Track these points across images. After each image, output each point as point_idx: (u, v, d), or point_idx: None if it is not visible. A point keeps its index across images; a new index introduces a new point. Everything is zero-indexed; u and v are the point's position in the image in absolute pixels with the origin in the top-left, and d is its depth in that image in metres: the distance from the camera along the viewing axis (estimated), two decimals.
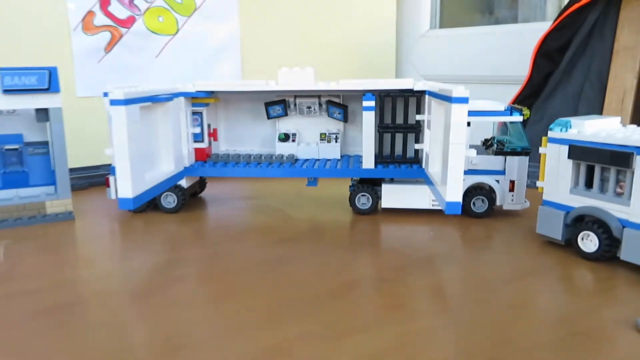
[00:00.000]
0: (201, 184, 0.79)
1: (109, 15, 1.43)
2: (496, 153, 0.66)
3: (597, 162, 0.50)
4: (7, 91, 0.61)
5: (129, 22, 1.45)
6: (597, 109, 1.26)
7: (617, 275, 0.48)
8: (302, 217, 0.69)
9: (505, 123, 0.68)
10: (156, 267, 0.52)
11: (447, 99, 0.50)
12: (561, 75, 1.31)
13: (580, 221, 0.52)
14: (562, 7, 1.27)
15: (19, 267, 0.52)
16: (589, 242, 0.51)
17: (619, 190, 0.50)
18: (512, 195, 0.66)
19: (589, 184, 0.52)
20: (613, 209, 0.50)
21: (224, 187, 0.82)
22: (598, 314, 0.41)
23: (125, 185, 0.51)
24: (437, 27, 1.85)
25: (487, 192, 0.66)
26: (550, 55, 1.31)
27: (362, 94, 0.65)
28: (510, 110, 0.64)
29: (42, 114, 0.65)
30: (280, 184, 0.82)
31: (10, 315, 0.42)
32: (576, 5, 1.22)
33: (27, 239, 0.61)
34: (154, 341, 0.38)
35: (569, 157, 0.52)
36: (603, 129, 0.52)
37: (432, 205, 0.67)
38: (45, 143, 0.69)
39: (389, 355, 0.36)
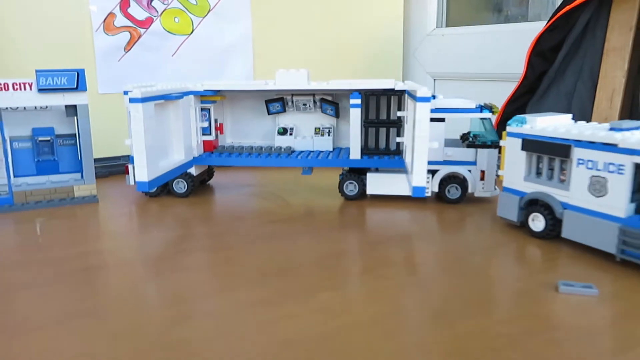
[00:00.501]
0: (209, 172, 0.88)
1: (129, 16, 1.53)
2: (468, 146, 0.74)
3: (544, 153, 0.58)
4: (41, 90, 0.71)
5: (147, 23, 1.55)
6: (589, 107, 1.32)
7: (559, 251, 0.56)
8: (297, 201, 0.78)
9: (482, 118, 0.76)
10: (168, 240, 0.62)
11: (414, 97, 0.58)
12: (555, 74, 1.38)
13: (531, 205, 0.60)
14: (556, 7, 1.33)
15: (54, 239, 0.62)
16: (537, 222, 0.60)
17: (562, 177, 0.58)
18: (483, 184, 0.74)
19: (539, 173, 0.60)
20: (557, 194, 0.58)
21: (229, 176, 0.91)
22: (534, 279, 0.49)
23: (142, 171, 0.61)
24: (444, 25, 1.92)
25: (460, 181, 0.74)
26: (544, 55, 1.38)
27: (350, 93, 0.74)
28: (480, 108, 0.72)
29: (71, 110, 0.75)
30: (279, 173, 0.91)
31: (47, 274, 0.52)
32: (567, 7, 1.29)
33: (59, 217, 0.71)
34: (164, 294, 0.47)
35: (522, 149, 0.60)
36: (552, 124, 0.60)
37: None
38: (73, 135, 0.79)
39: (350, 306, 0.44)
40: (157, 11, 1.61)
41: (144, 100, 0.59)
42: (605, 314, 0.42)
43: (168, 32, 1.66)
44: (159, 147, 0.67)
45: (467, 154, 0.74)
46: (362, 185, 0.76)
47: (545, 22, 1.31)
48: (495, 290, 0.48)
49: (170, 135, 0.72)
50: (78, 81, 0.73)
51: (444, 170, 0.74)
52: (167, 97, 0.66)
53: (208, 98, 0.79)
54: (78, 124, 0.75)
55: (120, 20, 1.55)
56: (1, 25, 1.24)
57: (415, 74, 1.95)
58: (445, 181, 0.74)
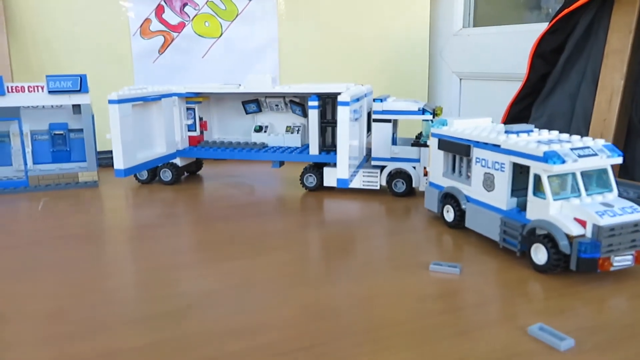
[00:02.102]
0: (197, 164, 1.00)
1: (163, 21, 1.69)
2: (412, 144, 0.81)
3: (453, 152, 0.66)
4: (51, 92, 0.86)
5: (179, 27, 1.71)
6: (592, 108, 1.34)
7: (462, 238, 0.64)
8: (265, 190, 0.89)
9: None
10: (154, 215, 0.76)
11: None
12: (559, 75, 1.40)
13: (446, 198, 0.68)
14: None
15: (62, 214, 0.76)
16: (449, 213, 0.67)
17: (469, 174, 0.65)
18: (426, 179, 0.81)
19: (453, 169, 0.68)
20: (463, 188, 0.65)
21: (217, 168, 1.03)
22: (416, 259, 0.57)
23: (119, 160, 0.73)
24: (471, 25, 1.95)
25: (405, 176, 0.82)
26: (545, 57, 1.40)
27: (309, 96, 0.83)
28: (422, 111, 0.80)
29: (77, 109, 0.89)
30: (259, 165, 1.03)
31: (58, 239, 0.66)
32: (567, 10, 1.31)
33: (66, 197, 0.85)
34: (149, 257, 0.60)
35: (438, 148, 0.68)
36: (465, 127, 0.67)
37: (363, 184, 0.84)
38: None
39: (285, 264, 0.55)
40: (189, 16, 1.77)
41: (120, 101, 0.72)
42: (449, 287, 0.50)
43: (199, 35, 1.82)
44: (139, 140, 0.79)
45: (411, 152, 0.81)
46: (320, 177, 0.86)
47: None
48: (374, 265, 0.56)
49: (153, 131, 0.84)
50: (81, 84, 0.87)
51: (391, 166, 0.82)
52: (144, 99, 0.78)
53: (193, 99, 0.91)
54: (82, 120, 0.89)
55: (156, 25, 1.72)
56: (55, 30, 1.43)
57: (441, 73, 2.00)
58: (393, 176, 0.82)
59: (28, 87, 0.85)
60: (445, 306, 0.46)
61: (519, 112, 1.53)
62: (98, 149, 0.94)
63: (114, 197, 0.87)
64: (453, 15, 1.97)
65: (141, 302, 0.48)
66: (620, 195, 0.74)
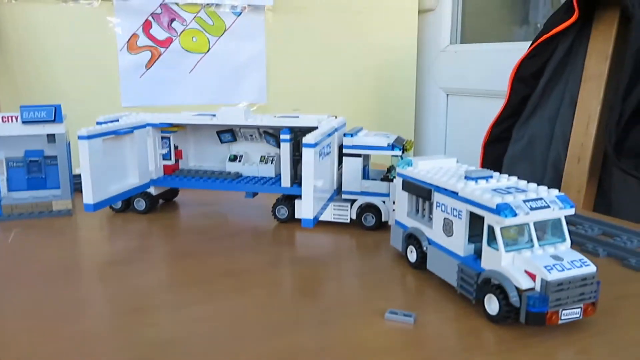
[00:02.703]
0: (173, 191, 1.01)
1: (150, 37, 1.70)
2: (382, 179, 0.82)
3: (415, 194, 0.67)
4: (25, 122, 0.86)
5: (167, 43, 1.72)
6: (570, 131, 1.36)
7: (424, 280, 0.64)
8: (239, 221, 0.90)
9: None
10: (126, 250, 0.77)
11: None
12: (539, 98, 1.42)
13: (409, 238, 0.68)
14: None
15: (32, 247, 0.77)
16: (412, 254, 0.68)
17: (431, 216, 0.65)
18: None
19: (417, 210, 0.68)
20: (426, 230, 0.66)
21: (193, 195, 1.04)
22: (374, 304, 0.58)
23: (88, 195, 0.74)
24: (458, 42, 1.97)
25: (375, 210, 0.83)
26: (525, 80, 1.42)
27: (281, 129, 0.84)
28: (392, 146, 0.81)
29: (51, 138, 0.90)
30: (232, 194, 1.03)
31: (26, 276, 0.66)
32: (546, 35, 1.33)
33: (39, 227, 0.86)
34: (116, 299, 0.61)
35: (402, 189, 0.69)
36: (430, 168, 0.67)
37: (334, 218, 0.85)
38: None
39: (244, 311, 0.55)
40: (176, 31, 1.78)
41: (89, 137, 0.73)
42: (401, 339, 0.51)
43: (186, 50, 1.83)
44: (110, 173, 0.80)
45: (381, 186, 0.82)
46: (292, 209, 0.86)
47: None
48: (333, 312, 0.57)
49: (126, 162, 0.85)
50: (55, 114, 0.87)
51: (361, 200, 0.83)
52: (116, 133, 0.79)
53: (167, 129, 0.92)
54: (57, 149, 0.90)
55: (143, 40, 1.72)
56: (41, 46, 1.43)
57: (428, 89, 2.02)
58: (363, 209, 0.83)
59: (2, 117, 0.85)
60: None
61: (501, 133, 1.55)
62: (76, 172, 0.94)
63: (87, 227, 0.87)
64: (441, 31, 1.99)
65: (93, 353, 0.49)
66: (582, 232, 0.76)
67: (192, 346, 0.49)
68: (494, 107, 1.49)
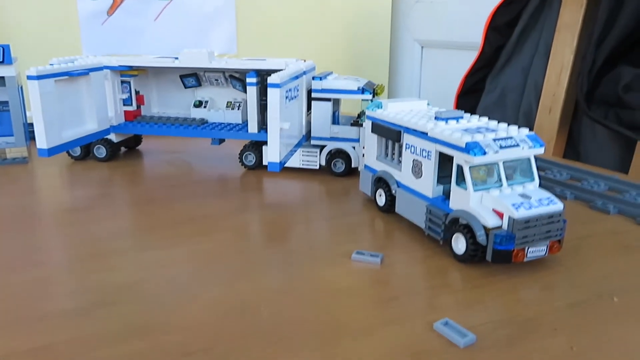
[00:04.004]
0: (136, 139, 0.97)
1: None
2: (352, 124, 0.80)
3: (384, 137, 0.65)
4: None
5: None
6: (543, 82, 1.35)
7: (392, 223, 0.64)
8: (204, 168, 0.87)
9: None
10: (83, 197, 0.74)
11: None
12: (513, 48, 1.40)
13: (379, 182, 0.67)
14: None
15: None
16: (381, 198, 0.67)
17: (400, 159, 0.64)
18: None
19: (386, 154, 0.67)
20: (394, 173, 0.64)
21: (155, 143, 1.00)
22: (340, 247, 0.56)
23: (41, 139, 0.70)
24: None
25: (345, 156, 0.81)
26: (500, 30, 1.40)
27: (247, 72, 0.80)
28: (362, 90, 0.78)
29: (1, 81, 0.84)
30: (197, 141, 1.00)
31: None
32: None
33: None
34: (72, 244, 0.58)
35: (372, 132, 0.67)
36: (399, 110, 0.65)
37: (302, 164, 0.83)
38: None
39: (209, 254, 0.53)
40: None
41: (39, 77, 0.68)
42: (367, 279, 0.50)
43: None
44: (66, 117, 0.75)
45: (351, 131, 0.80)
46: (259, 156, 0.84)
47: None
48: (299, 255, 0.55)
49: (83, 107, 0.80)
50: (4, 55, 0.81)
51: (330, 146, 0.81)
52: (68, 74, 0.74)
53: (127, 72, 0.87)
54: (7, 93, 0.84)
55: None
56: None
57: (403, 41, 1.97)
58: (332, 156, 0.81)
59: None
60: (358, 301, 0.46)
61: (474, 85, 1.53)
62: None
63: (44, 175, 0.83)
64: None
65: (49, 297, 0.47)
66: (550, 177, 0.75)
67: (154, 289, 0.48)
68: (469, 59, 1.47)
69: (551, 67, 1.34)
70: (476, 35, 1.41)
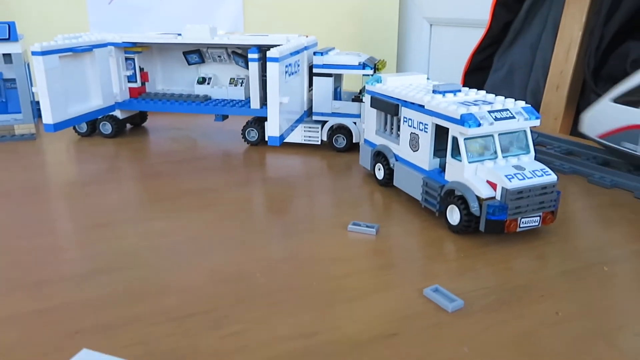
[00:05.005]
0: (141, 116, 0.98)
1: None
2: (353, 100, 0.80)
3: (383, 111, 0.65)
4: None
5: None
6: (550, 59, 1.33)
7: (390, 196, 0.64)
8: (208, 144, 0.88)
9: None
10: (94, 169, 0.76)
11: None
12: (521, 24, 1.38)
13: (378, 155, 0.68)
14: None
15: None
16: (380, 171, 0.67)
17: (399, 133, 0.64)
18: None
19: (385, 128, 0.67)
20: (393, 147, 0.65)
21: (161, 120, 1.01)
22: (338, 219, 0.58)
23: (47, 115, 0.71)
24: None
25: (346, 132, 0.81)
26: (508, 5, 1.38)
27: (249, 48, 0.80)
28: (363, 65, 0.78)
29: (7, 58, 0.85)
30: (201, 117, 1.01)
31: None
32: None
33: (1, 151, 0.83)
34: (76, 216, 0.60)
35: (370, 106, 0.67)
36: (398, 84, 0.66)
37: (304, 139, 0.83)
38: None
39: (211, 225, 0.55)
40: None
41: (44, 53, 0.69)
42: (363, 249, 0.51)
43: None
44: (71, 93, 0.77)
45: (352, 107, 0.81)
46: (262, 132, 0.85)
47: None
48: (297, 226, 0.57)
49: (88, 83, 0.81)
50: (10, 32, 0.83)
51: (332, 122, 0.82)
52: (73, 50, 0.75)
53: (131, 49, 0.87)
54: (14, 70, 0.86)
55: None
56: None
57: (412, 19, 1.96)
58: (334, 131, 0.82)
59: None
60: (351, 269, 0.47)
61: (481, 62, 1.52)
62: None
63: (51, 150, 0.85)
64: None
65: (53, 264, 0.48)
66: (550, 151, 0.76)
67: (155, 257, 0.49)
68: (477, 37, 1.45)
69: (559, 44, 1.32)
70: (485, 13, 1.40)
